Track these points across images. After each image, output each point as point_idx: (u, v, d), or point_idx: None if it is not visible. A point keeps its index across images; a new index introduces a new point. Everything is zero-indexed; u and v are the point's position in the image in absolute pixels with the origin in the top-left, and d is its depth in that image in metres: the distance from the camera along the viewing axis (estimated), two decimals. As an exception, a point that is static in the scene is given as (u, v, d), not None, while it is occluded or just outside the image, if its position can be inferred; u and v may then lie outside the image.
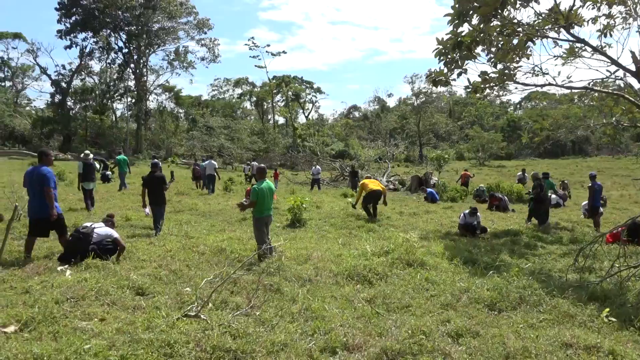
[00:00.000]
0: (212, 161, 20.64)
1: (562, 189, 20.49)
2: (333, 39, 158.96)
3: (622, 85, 11.37)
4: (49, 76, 49.03)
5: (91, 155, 13.95)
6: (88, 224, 7.43)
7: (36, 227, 7.15)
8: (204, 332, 4.45)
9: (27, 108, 61.13)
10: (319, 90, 73.63)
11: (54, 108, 49.24)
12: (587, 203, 13.59)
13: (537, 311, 5.58)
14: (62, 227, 7.35)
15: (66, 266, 6.66)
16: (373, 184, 13.49)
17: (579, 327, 5.07)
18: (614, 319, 5.23)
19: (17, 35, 50.83)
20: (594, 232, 11.46)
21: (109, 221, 7.87)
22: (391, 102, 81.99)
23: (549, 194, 15.45)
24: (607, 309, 5.41)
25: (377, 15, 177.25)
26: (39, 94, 68.45)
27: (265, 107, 74.15)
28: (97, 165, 14.32)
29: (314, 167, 25.62)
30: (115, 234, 7.42)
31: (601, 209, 14.72)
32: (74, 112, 50.47)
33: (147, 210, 10.20)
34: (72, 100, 51.08)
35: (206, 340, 4.28)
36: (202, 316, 4.79)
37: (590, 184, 13.09)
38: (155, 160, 11.48)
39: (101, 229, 7.29)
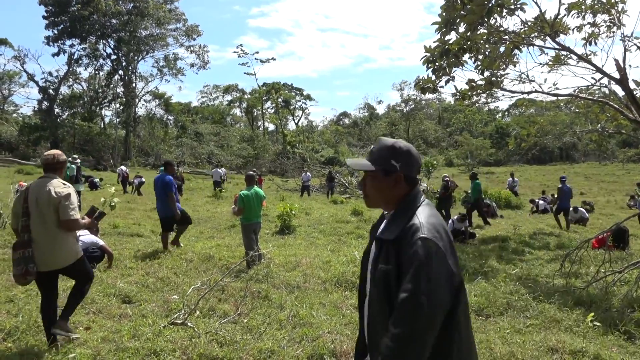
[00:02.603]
0: (219, 169, 24.01)
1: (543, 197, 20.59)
2: (322, 46, 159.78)
3: (607, 92, 11.54)
4: (36, 83, 48.55)
5: (78, 160, 14.51)
6: (74, 232, 7.35)
7: (165, 224, 8.72)
8: (190, 340, 4.42)
9: (14, 115, 60.52)
10: (308, 97, 73.80)
11: (41, 115, 48.74)
12: (557, 204, 14.35)
13: (523, 316, 5.62)
14: (187, 219, 9.18)
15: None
16: None
17: (565, 332, 5.11)
18: (599, 324, 5.28)
19: (2, 42, 50.31)
20: (580, 237, 11.58)
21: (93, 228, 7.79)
22: (380, 109, 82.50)
23: (487, 200, 15.72)
24: (592, 314, 5.47)
25: (366, 22, 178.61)
26: (26, 100, 67.94)
27: (255, 114, 74.13)
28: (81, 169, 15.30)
29: (304, 174, 25.66)
30: (100, 241, 7.35)
31: (587, 215, 14.93)
32: (61, 118, 49.88)
33: None
34: (60, 107, 50.59)
35: (193, 348, 4.25)
36: (189, 324, 4.76)
37: (560, 186, 13.92)
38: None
39: (86, 237, 7.22)
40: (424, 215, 1.77)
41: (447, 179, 15.52)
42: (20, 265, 4.03)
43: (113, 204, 5.56)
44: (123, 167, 22.99)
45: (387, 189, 1.87)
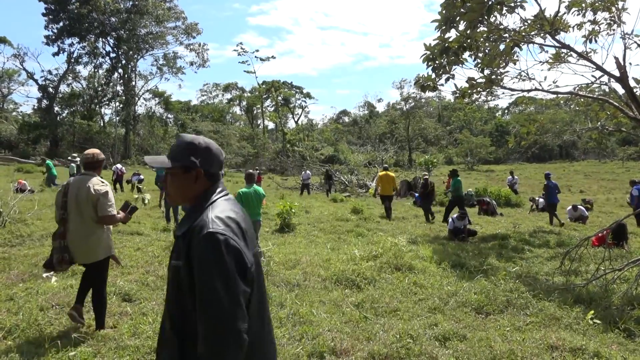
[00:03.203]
0: None
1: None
2: (322, 44, 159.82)
3: (607, 90, 11.55)
4: (35, 81, 48.49)
5: (78, 158, 15.54)
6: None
7: None
8: (190, 338, 4.42)
9: (14, 113, 60.43)
10: (308, 95, 73.68)
11: (41, 113, 48.69)
12: (544, 200, 14.89)
13: (523, 314, 5.62)
14: None
15: (51, 273, 6.58)
16: (384, 188, 14.64)
17: (565, 330, 5.11)
18: (599, 321, 5.28)
19: (2, 40, 50.21)
20: (580, 235, 11.58)
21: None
22: (380, 107, 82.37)
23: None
24: (592, 312, 5.47)
25: (366, 20, 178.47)
26: (25, 98, 67.91)
27: (254, 112, 74.05)
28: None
29: (303, 172, 25.67)
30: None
31: (586, 213, 14.94)
32: (61, 117, 49.88)
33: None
34: (60, 106, 50.55)
35: (193, 346, 4.24)
36: (189, 322, 4.76)
37: (546, 182, 14.34)
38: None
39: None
40: (217, 209, 1.77)
41: (427, 177, 15.98)
42: (57, 254, 4.38)
43: (146, 201, 5.62)
44: (119, 166, 22.70)
45: (188, 186, 1.87)
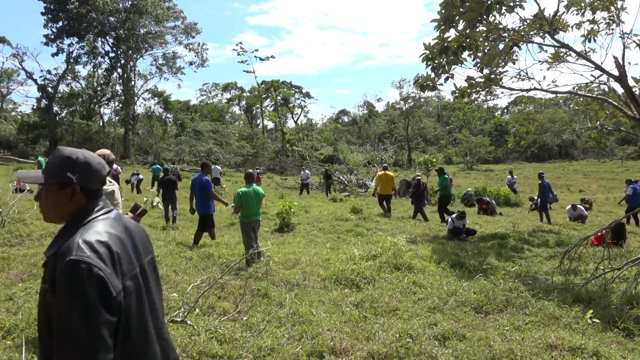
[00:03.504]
0: (217, 166, 26.13)
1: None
2: (322, 44, 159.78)
3: (606, 89, 11.56)
4: (35, 81, 48.40)
5: None
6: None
7: (204, 222, 9.31)
8: (190, 338, 4.43)
9: (13, 113, 60.38)
10: (308, 95, 73.70)
11: (40, 113, 48.63)
12: (538, 199, 14.99)
13: (523, 313, 5.63)
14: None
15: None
16: (383, 188, 15.10)
17: (564, 329, 5.12)
18: (598, 321, 5.29)
19: (1, 40, 50.14)
20: (579, 234, 11.60)
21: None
22: (380, 107, 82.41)
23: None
24: (591, 311, 5.48)
25: (365, 20, 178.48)
26: (24, 98, 67.62)
27: (254, 111, 74.02)
28: None
29: (303, 172, 25.67)
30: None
31: (585, 212, 14.96)
32: (60, 117, 49.81)
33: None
34: (59, 105, 50.50)
35: (192, 346, 4.26)
36: (188, 322, 4.77)
37: (540, 182, 14.52)
38: (166, 167, 15.21)
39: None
40: (89, 232, 1.65)
41: (419, 177, 16.29)
42: None
43: (155, 203, 5.62)
44: (115, 165, 22.70)
45: (62, 203, 1.74)
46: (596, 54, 9.69)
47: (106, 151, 4.65)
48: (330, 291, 6.38)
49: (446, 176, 14.36)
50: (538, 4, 8.89)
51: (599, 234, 9.33)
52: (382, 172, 15.41)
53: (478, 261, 8.31)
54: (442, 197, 14.22)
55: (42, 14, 46.10)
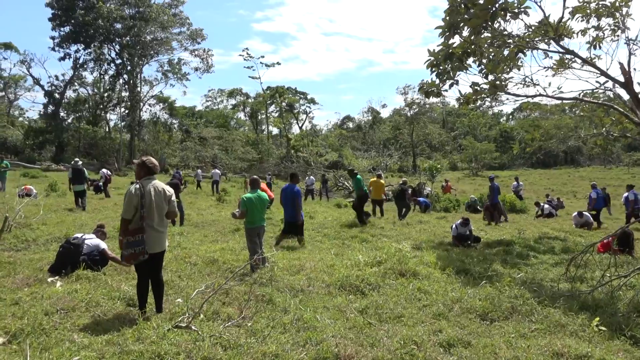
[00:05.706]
0: (217, 170, 27.54)
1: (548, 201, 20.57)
2: (327, 50, 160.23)
3: (611, 96, 11.53)
4: (42, 87, 48.72)
5: (80, 162, 16.03)
6: (79, 235, 7.38)
7: (289, 228, 10.01)
8: (194, 343, 4.42)
9: (20, 119, 60.86)
10: (312, 101, 73.86)
11: (46, 119, 48.88)
12: (489, 201, 16.22)
13: (528, 321, 5.59)
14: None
15: (56, 277, 6.61)
16: (374, 193, 15.85)
17: (570, 337, 5.08)
18: (604, 328, 5.25)
19: (8, 46, 50.60)
20: (585, 241, 11.53)
21: (99, 231, 7.81)
22: (385, 113, 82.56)
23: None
24: (598, 318, 5.43)
25: (370, 26, 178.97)
26: (31, 104, 68.14)
27: (259, 117, 74.25)
28: (86, 171, 15.63)
29: (307, 178, 25.71)
30: (103, 244, 7.31)
31: (592, 219, 14.88)
32: (67, 122, 50.06)
33: None
34: (65, 111, 50.79)
35: (197, 352, 4.25)
36: (193, 327, 4.76)
37: (490, 184, 16.08)
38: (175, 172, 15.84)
39: (91, 240, 7.24)
40: None
41: (405, 180, 17.96)
42: (132, 247, 4.97)
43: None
44: (104, 170, 22.37)
45: None
46: (602, 61, 9.72)
47: (151, 158, 5.37)
48: (334, 297, 6.37)
49: (359, 177, 14.97)
50: (543, 11, 8.91)
51: (605, 241, 9.27)
52: (375, 178, 16.41)
53: (483, 268, 8.27)
54: (359, 197, 14.50)
55: (50, 19, 46.50)
